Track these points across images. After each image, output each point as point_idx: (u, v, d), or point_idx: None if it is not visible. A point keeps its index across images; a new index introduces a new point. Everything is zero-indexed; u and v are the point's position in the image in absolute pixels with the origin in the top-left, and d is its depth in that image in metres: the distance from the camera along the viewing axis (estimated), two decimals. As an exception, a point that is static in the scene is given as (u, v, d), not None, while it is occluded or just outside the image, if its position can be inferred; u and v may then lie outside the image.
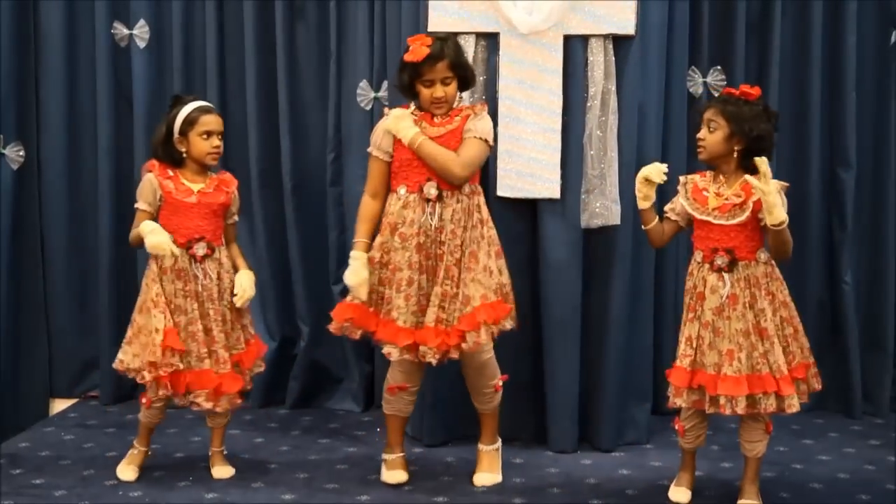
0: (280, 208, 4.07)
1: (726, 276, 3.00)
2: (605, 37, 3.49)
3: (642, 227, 3.14)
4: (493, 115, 3.53)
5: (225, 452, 3.41)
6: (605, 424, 3.63)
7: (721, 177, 3.05)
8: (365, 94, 3.97)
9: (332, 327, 3.26)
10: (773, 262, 3.06)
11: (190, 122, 3.22)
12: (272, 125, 4.04)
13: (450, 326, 3.15)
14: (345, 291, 4.02)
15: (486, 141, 3.21)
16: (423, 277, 3.16)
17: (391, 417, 3.33)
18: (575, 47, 3.49)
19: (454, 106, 3.23)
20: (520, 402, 3.65)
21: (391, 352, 3.15)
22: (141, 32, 4.07)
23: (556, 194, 3.51)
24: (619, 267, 3.56)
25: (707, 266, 3.03)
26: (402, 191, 3.20)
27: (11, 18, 4.03)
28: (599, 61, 3.49)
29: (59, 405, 4.22)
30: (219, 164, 3.37)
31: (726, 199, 3.01)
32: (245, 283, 3.29)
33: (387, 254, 3.19)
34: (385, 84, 3.90)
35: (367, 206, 3.25)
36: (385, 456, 3.33)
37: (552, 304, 3.54)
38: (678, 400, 3.05)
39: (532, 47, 3.48)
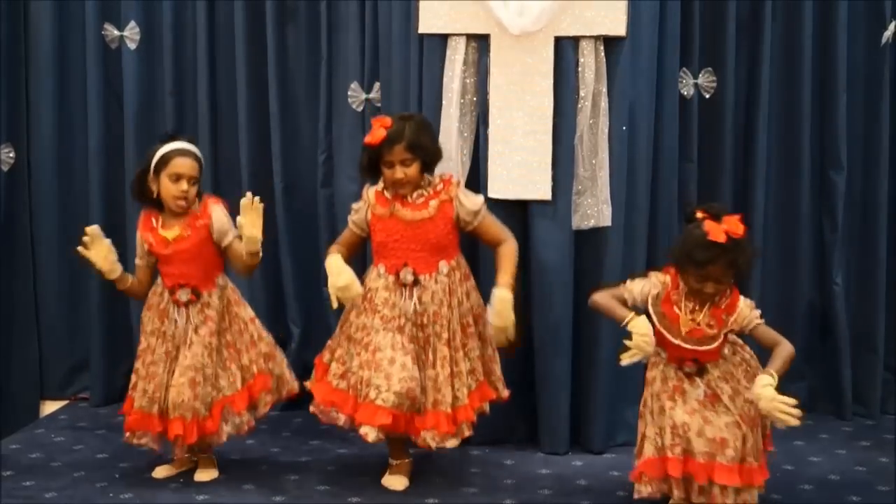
0: (271, 210, 4.03)
1: (698, 379, 2.94)
2: (596, 38, 3.49)
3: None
4: (484, 116, 3.55)
5: (213, 456, 3.39)
6: (596, 426, 3.64)
7: (692, 297, 2.93)
8: (356, 95, 3.96)
9: (313, 408, 3.26)
10: (734, 337, 2.99)
11: (164, 161, 3.19)
12: (263, 126, 4.03)
13: (457, 406, 3.17)
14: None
15: (483, 210, 3.25)
16: (407, 358, 3.12)
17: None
18: (566, 48, 3.49)
19: (427, 185, 3.23)
20: (511, 403, 3.64)
21: (368, 433, 3.06)
22: (131, 34, 4.06)
23: (548, 196, 3.52)
24: (609, 268, 3.56)
25: (672, 366, 2.96)
26: (381, 269, 3.24)
27: (2, 20, 4.03)
28: (590, 62, 3.49)
29: (49, 407, 4.22)
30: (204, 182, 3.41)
31: (698, 324, 2.90)
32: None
33: (367, 335, 3.18)
34: (377, 85, 3.90)
35: (334, 249, 3.27)
36: (390, 461, 3.32)
37: (543, 305, 3.54)
38: (677, 492, 2.94)
39: (523, 49, 3.48)
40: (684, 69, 3.85)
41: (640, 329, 2.87)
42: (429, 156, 3.20)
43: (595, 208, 3.53)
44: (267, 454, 3.59)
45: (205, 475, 3.33)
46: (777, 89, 3.93)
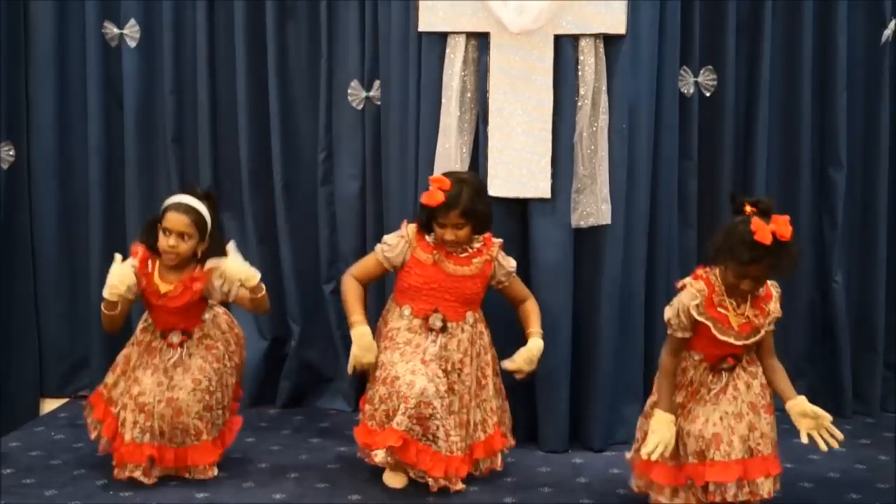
0: (271, 208, 4.06)
1: (725, 374, 2.94)
2: (596, 36, 3.49)
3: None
4: (484, 115, 3.55)
5: None
6: (596, 424, 3.64)
7: (735, 293, 2.88)
8: (356, 93, 3.96)
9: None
10: None
11: (162, 214, 3.21)
12: (263, 125, 4.03)
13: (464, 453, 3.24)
14: (336, 291, 4.07)
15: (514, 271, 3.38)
16: (430, 385, 3.12)
17: None
18: (565, 47, 3.49)
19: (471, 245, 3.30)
20: (511, 401, 3.64)
21: (376, 454, 3.10)
22: (131, 32, 4.05)
23: (547, 194, 3.52)
24: (609, 266, 3.57)
25: (706, 365, 2.94)
26: (406, 311, 3.28)
27: (2, 18, 4.02)
28: (590, 61, 3.49)
29: (49, 405, 4.21)
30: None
31: (747, 318, 2.88)
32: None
33: (386, 371, 3.20)
34: (377, 83, 3.90)
35: (353, 286, 3.33)
36: (389, 459, 3.27)
37: (543, 303, 3.53)
38: (676, 501, 2.94)
39: (522, 47, 3.48)
40: (684, 67, 3.84)
41: (658, 425, 2.87)
42: (481, 222, 3.25)
43: (594, 206, 3.53)
44: (267, 452, 3.59)
45: (204, 473, 3.33)
46: (777, 87, 3.93)
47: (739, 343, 2.89)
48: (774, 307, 2.93)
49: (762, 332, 2.92)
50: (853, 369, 4.00)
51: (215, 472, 3.34)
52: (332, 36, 3.97)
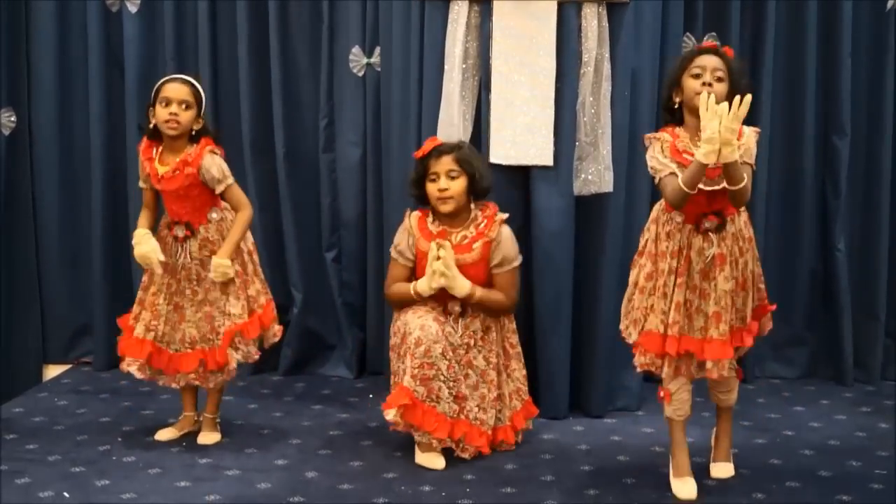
0: (272, 175, 4.05)
1: (714, 237, 2.88)
2: (599, 3, 3.46)
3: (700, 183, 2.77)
4: (486, 81, 3.53)
5: (217, 420, 3.41)
6: (596, 391, 3.65)
7: (698, 134, 2.79)
8: (357, 59, 3.94)
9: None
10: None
11: (156, 91, 3.21)
12: (264, 92, 4.01)
13: (497, 426, 3.26)
14: (337, 259, 4.07)
15: (517, 265, 3.29)
16: (437, 346, 3.12)
17: None
18: (568, 13, 3.47)
19: (471, 221, 3.25)
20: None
21: (387, 413, 3.10)
22: (132, -4, 4.04)
23: (550, 161, 3.50)
24: (611, 234, 3.56)
25: (690, 227, 2.88)
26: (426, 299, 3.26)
27: (2, -18, 4.01)
28: (593, 27, 3.47)
29: (52, 371, 4.24)
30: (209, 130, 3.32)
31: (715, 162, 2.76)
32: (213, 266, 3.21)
33: (401, 322, 3.21)
34: (377, 50, 3.87)
35: (393, 288, 3.30)
36: (418, 438, 3.21)
37: (544, 270, 3.54)
38: (668, 369, 2.92)
39: (525, 13, 3.45)
40: (688, 34, 3.82)
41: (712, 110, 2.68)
42: (476, 173, 3.21)
43: (597, 174, 3.51)
44: (269, 418, 3.61)
45: (208, 438, 3.35)
46: (781, 54, 3.90)
47: (709, 189, 2.81)
48: (746, 143, 2.81)
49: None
50: (854, 337, 4.00)
51: (218, 437, 3.36)
52: (333, 2, 3.95)
